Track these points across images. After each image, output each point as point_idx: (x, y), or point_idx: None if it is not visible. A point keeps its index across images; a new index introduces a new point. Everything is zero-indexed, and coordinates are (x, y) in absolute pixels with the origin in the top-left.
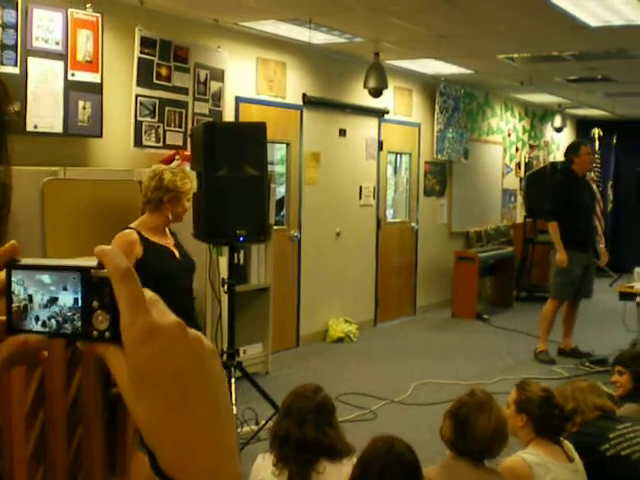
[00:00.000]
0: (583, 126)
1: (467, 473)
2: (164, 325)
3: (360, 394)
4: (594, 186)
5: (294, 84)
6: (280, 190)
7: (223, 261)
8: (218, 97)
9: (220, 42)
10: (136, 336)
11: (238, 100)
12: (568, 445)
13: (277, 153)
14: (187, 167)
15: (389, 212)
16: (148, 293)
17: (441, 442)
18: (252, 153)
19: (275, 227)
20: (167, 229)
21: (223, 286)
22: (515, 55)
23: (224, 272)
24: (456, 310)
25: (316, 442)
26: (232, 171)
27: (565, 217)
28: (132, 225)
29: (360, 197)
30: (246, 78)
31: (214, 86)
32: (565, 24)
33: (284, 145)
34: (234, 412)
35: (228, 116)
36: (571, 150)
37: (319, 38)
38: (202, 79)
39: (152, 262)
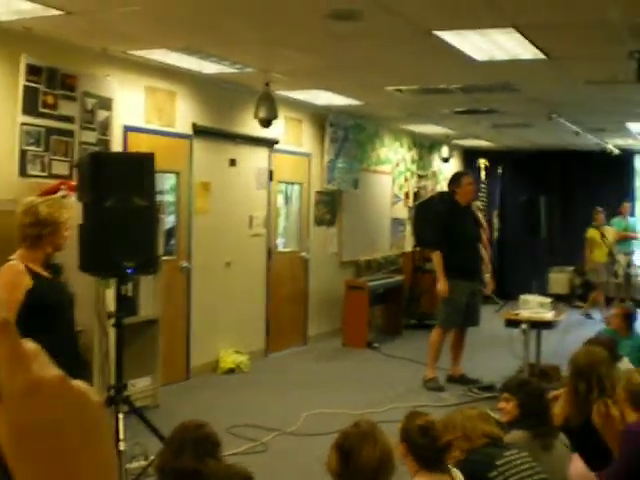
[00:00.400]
0: (470, 156)
1: None
2: (45, 380)
3: (251, 426)
4: (480, 215)
5: (184, 113)
6: (169, 220)
7: (110, 293)
8: (106, 126)
9: (109, 70)
10: (16, 392)
11: (126, 129)
12: (456, 473)
13: (167, 182)
14: (73, 197)
15: (280, 241)
16: (29, 345)
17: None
18: (140, 183)
19: (164, 257)
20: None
21: (110, 319)
22: (403, 87)
23: (111, 304)
24: (347, 339)
25: (194, 472)
26: (120, 201)
27: (449, 246)
28: (12, 258)
29: (251, 226)
30: (135, 107)
31: (102, 115)
32: (452, 58)
33: (173, 175)
34: (122, 449)
35: (116, 145)
36: (453, 181)
37: (210, 68)
38: (89, 107)
39: (42, 293)
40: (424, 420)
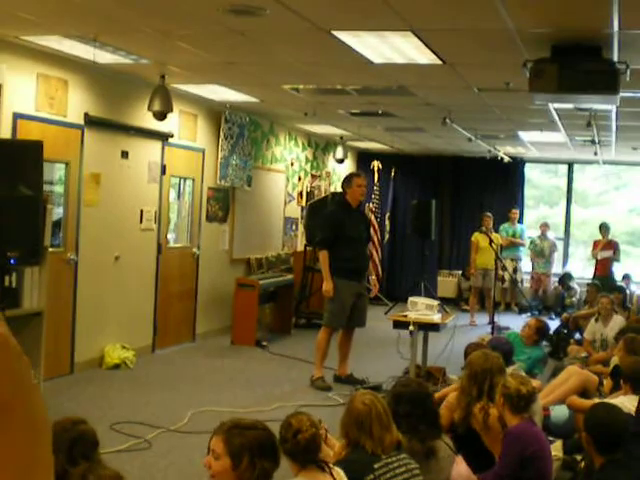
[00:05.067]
0: (364, 158)
1: None
2: None
3: (135, 423)
4: (372, 217)
5: (76, 103)
6: (58, 211)
7: None
8: None
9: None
10: None
11: (16, 116)
12: (338, 471)
13: (56, 172)
14: None
15: (171, 237)
16: None
17: None
18: (27, 172)
19: (51, 249)
20: None
21: None
22: (300, 86)
23: None
24: (236, 337)
25: (63, 474)
26: (4, 190)
27: (337, 246)
28: None
29: (141, 221)
30: (26, 94)
31: None
32: (350, 59)
33: (63, 165)
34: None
35: (5, 133)
36: (345, 182)
37: (104, 57)
38: None
39: None
40: (297, 420)
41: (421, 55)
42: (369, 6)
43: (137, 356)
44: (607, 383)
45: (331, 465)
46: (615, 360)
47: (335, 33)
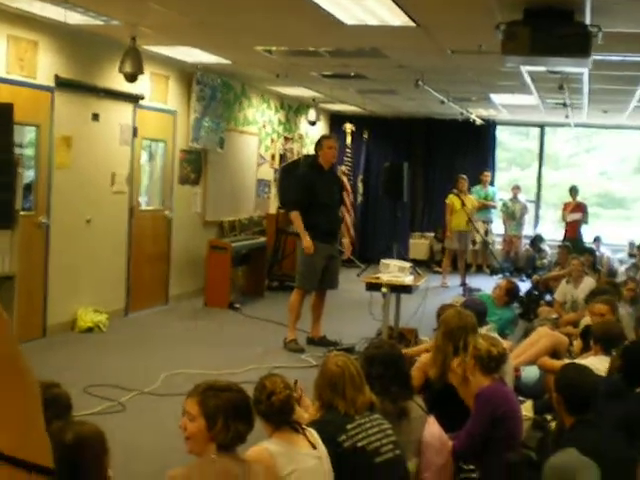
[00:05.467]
0: (336, 121)
1: (223, 464)
2: None
3: (109, 385)
4: (344, 179)
5: (46, 65)
6: (28, 174)
7: None
8: None
9: None
10: None
11: None
12: (312, 432)
13: (26, 135)
14: None
15: (143, 200)
16: None
17: None
18: None
19: (22, 213)
20: None
21: None
22: (273, 48)
23: None
24: (209, 299)
25: None
26: None
27: (309, 209)
28: None
29: (113, 184)
30: None
31: None
32: (321, 20)
33: (34, 128)
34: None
35: None
36: (316, 144)
37: (75, 18)
38: None
39: None
40: (271, 382)
41: (394, 17)
42: None
43: (110, 319)
44: (577, 344)
45: (304, 426)
46: (585, 321)
47: None
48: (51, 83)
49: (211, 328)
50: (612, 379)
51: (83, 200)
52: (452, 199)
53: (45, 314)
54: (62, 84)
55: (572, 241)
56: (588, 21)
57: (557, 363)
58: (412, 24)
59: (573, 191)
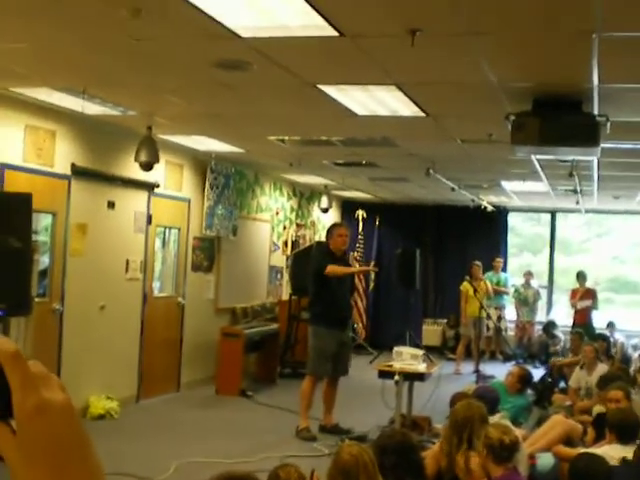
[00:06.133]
0: (348, 207)
1: None
2: (53, 402)
3: (121, 474)
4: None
5: (63, 153)
6: (43, 260)
7: None
8: None
9: None
10: (28, 413)
11: (3, 167)
12: None
13: (42, 222)
14: None
15: (156, 286)
16: (38, 367)
17: None
18: (16, 224)
19: (36, 299)
20: None
21: None
22: (285, 137)
23: None
24: (220, 387)
25: None
26: None
27: (320, 294)
28: None
29: (127, 270)
30: (13, 145)
31: None
32: (334, 111)
33: (50, 215)
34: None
35: None
36: (327, 232)
37: (92, 109)
38: None
39: None
40: (285, 472)
41: (405, 108)
42: (354, 61)
43: (121, 406)
44: (590, 432)
45: None
46: (597, 409)
47: (320, 87)
48: (68, 171)
49: (223, 416)
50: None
51: (97, 286)
52: (466, 286)
53: None
54: (78, 172)
55: (582, 327)
56: (596, 111)
57: (572, 451)
58: (422, 114)
59: (581, 277)
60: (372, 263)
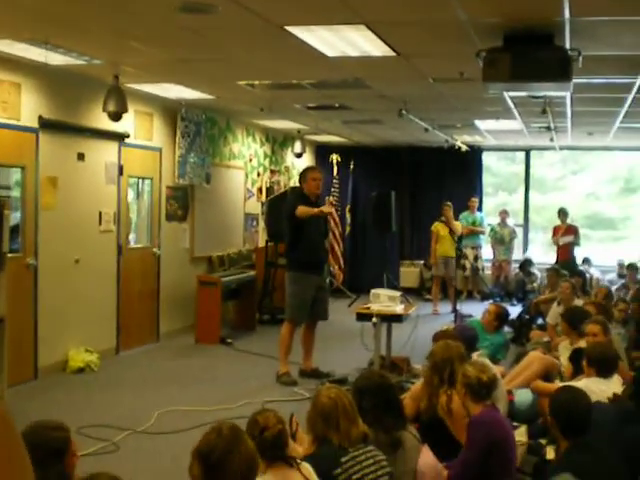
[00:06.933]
0: (322, 152)
1: None
2: None
3: (102, 426)
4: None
5: (30, 106)
6: (15, 216)
7: None
8: None
9: None
10: None
11: None
12: (306, 467)
13: (12, 177)
14: None
15: (131, 238)
16: None
17: (183, 471)
18: None
19: (9, 255)
20: None
21: None
22: (255, 82)
23: None
24: (200, 335)
25: None
26: None
27: (295, 240)
28: None
29: (100, 223)
30: None
31: None
32: (304, 54)
33: (19, 169)
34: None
35: None
36: (300, 176)
37: (56, 59)
38: None
39: None
40: (263, 417)
41: (375, 48)
42: (322, 1)
43: (101, 359)
44: (567, 366)
45: (299, 460)
46: (564, 345)
47: (288, 28)
48: (35, 124)
49: (203, 364)
50: (624, 405)
51: (71, 240)
52: (437, 226)
53: (36, 356)
54: (46, 125)
55: (566, 264)
56: (568, 45)
57: (551, 386)
58: (393, 54)
59: (562, 213)
60: (347, 207)
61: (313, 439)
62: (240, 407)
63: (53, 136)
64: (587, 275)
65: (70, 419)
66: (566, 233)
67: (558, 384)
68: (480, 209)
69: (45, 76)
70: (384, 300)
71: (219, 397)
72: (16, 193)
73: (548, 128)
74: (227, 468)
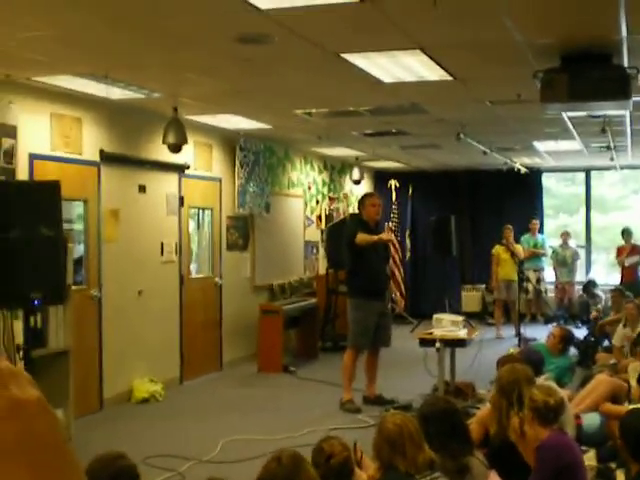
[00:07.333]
0: (381, 178)
1: None
2: (25, 400)
3: (167, 455)
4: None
5: (91, 140)
6: (79, 248)
7: (19, 325)
8: (10, 154)
9: (12, 97)
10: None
11: (32, 157)
12: None
13: (75, 210)
14: None
15: (193, 267)
16: (5, 364)
17: None
18: (46, 212)
19: (74, 287)
20: None
21: (19, 351)
22: (312, 110)
23: (20, 336)
24: (262, 364)
25: None
26: (25, 232)
27: (357, 267)
28: None
29: (162, 253)
30: (40, 134)
31: (6, 143)
32: (360, 80)
33: (81, 202)
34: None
35: (21, 174)
36: (359, 203)
37: (116, 93)
38: None
39: None
40: (329, 444)
41: (431, 72)
42: (376, 27)
43: (165, 389)
44: (635, 389)
45: None
46: (633, 366)
47: (344, 56)
48: (96, 158)
49: (266, 393)
50: None
51: (133, 271)
52: (497, 249)
53: (101, 387)
54: (107, 158)
55: (631, 285)
56: (626, 63)
57: (620, 408)
58: (449, 78)
59: (626, 233)
60: (407, 232)
61: (379, 466)
62: (304, 435)
63: (114, 169)
64: None
65: (136, 449)
66: (631, 253)
67: (627, 407)
68: (541, 231)
69: (105, 110)
70: (447, 325)
71: (283, 425)
72: (79, 226)
73: (608, 147)
74: None
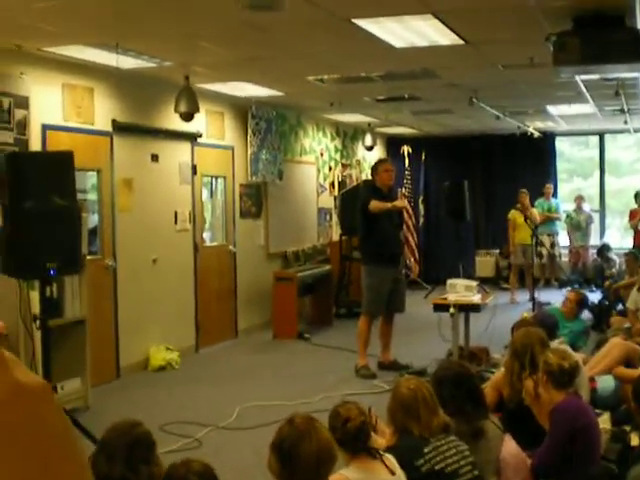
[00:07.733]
0: (393, 144)
1: None
2: (29, 386)
3: (184, 422)
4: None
5: (103, 110)
6: (93, 218)
7: (35, 295)
8: (23, 125)
9: (23, 68)
10: (2, 397)
11: (45, 128)
12: (389, 458)
13: (88, 180)
14: None
15: (206, 236)
16: (7, 353)
17: (266, 465)
18: (60, 183)
19: (89, 257)
20: None
21: (35, 321)
22: (324, 77)
23: (36, 306)
24: (277, 331)
25: None
26: (39, 202)
27: (370, 233)
28: None
29: (176, 222)
30: (52, 105)
31: (18, 114)
32: (372, 46)
33: (95, 172)
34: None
35: (35, 145)
36: (372, 169)
37: (127, 62)
38: (5, 107)
39: None
40: (345, 409)
41: (443, 37)
42: None
43: (181, 356)
44: None
45: (382, 452)
46: None
47: (355, 21)
48: (109, 128)
49: (281, 360)
50: None
51: (148, 240)
52: (513, 214)
53: (118, 356)
54: (120, 128)
55: None
56: (639, 25)
57: (634, 372)
58: (461, 42)
59: (639, 197)
60: (420, 198)
61: (394, 431)
62: (319, 401)
63: (127, 139)
64: None
65: (153, 416)
66: None
67: None
68: (555, 195)
69: (117, 80)
70: (461, 290)
71: (298, 391)
72: (93, 196)
73: (622, 110)
74: (299, 456)
